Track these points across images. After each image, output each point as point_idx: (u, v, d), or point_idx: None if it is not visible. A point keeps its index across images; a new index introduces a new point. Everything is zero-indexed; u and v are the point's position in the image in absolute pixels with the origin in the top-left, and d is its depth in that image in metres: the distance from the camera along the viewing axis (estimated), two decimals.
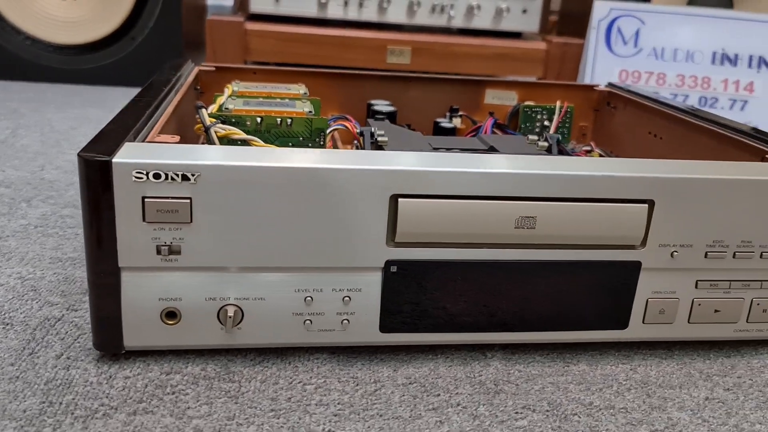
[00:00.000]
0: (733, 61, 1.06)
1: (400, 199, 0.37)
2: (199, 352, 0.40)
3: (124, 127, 0.40)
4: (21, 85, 1.17)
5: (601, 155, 0.69)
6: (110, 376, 0.37)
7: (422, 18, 1.23)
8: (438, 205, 0.38)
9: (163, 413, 0.35)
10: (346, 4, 1.20)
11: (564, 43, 1.20)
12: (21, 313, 0.43)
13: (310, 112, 0.56)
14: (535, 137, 0.55)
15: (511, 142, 0.54)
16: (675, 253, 0.41)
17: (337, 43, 1.20)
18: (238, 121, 0.54)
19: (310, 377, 0.39)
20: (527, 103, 0.74)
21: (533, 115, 0.74)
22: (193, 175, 0.35)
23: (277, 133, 0.54)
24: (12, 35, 1.15)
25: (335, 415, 0.36)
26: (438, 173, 0.37)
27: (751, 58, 1.06)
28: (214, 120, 0.52)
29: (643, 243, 0.41)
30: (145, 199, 0.35)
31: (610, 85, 0.75)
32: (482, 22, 1.23)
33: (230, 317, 0.38)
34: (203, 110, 0.52)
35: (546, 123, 0.74)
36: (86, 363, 0.38)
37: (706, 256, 0.42)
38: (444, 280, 0.40)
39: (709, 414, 0.39)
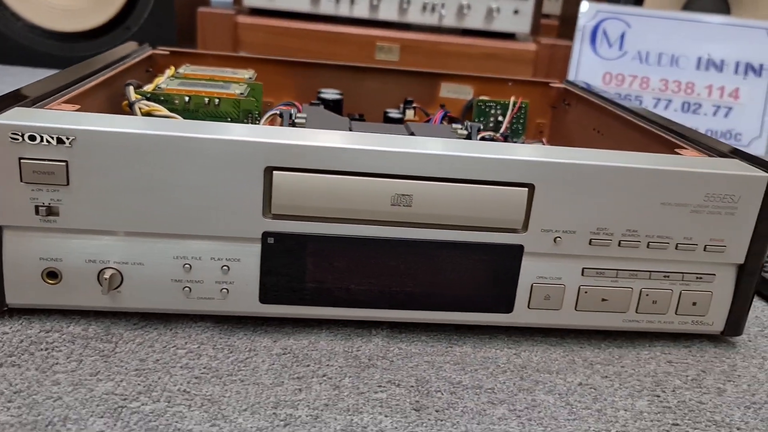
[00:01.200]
0: (719, 67, 1.05)
1: (274, 172, 0.38)
2: (85, 314, 0.42)
3: (27, 92, 0.42)
4: (19, 70, 1.21)
5: None
6: None
7: (414, 16, 1.23)
8: (313, 179, 0.39)
9: (28, 366, 0.36)
10: (337, 0, 1.21)
11: (552, 45, 1.19)
12: None
13: (242, 93, 0.57)
14: (459, 126, 0.56)
15: (434, 130, 0.55)
16: (558, 239, 0.42)
17: (326, 38, 1.21)
18: (166, 100, 0.55)
19: (186, 343, 0.40)
20: (481, 97, 0.74)
21: (487, 109, 0.74)
22: (68, 138, 0.36)
23: (206, 112, 0.56)
24: (12, 22, 1.19)
25: (196, 378, 0.37)
26: (313, 148, 0.38)
27: (737, 64, 1.05)
28: (139, 96, 0.54)
29: (525, 227, 0.41)
30: (22, 160, 0.36)
31: (567, 82, 0.75)
32: (473, 22, 1.23)
33: (106, 279, 0.39)
34: (130, 87, 0.54)
35: (500, 118, 0.74)
36: None
37: (590, 243, 0.42)
38: (322, 254, 0.40)
39: (576, 398, 0.39)
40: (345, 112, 0.72)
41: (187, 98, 0.55)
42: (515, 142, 0.71)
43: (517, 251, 0.42)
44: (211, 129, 0.38)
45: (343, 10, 1.22)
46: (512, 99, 0.74)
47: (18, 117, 0.37)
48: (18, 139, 0.36)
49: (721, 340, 0.47)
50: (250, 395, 0.36)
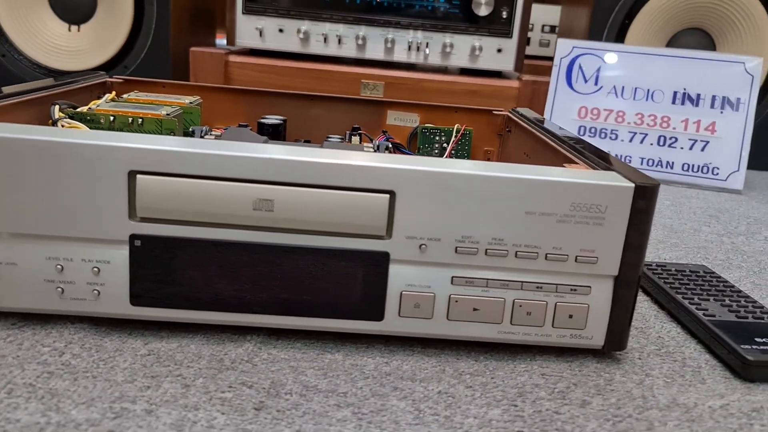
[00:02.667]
0: (695, 101, 1.04)
1: (138, 176, 0.40)
2: None
3: None
4: None
5: None
6: None
7: (399, 55, 1.26)
8: (176, 183, 0.40)
9: None
10: (325, 40, 1.25)
11: (534, 81, 1.20)
12: None
13: (167, 114, 0.60)
14: (369, 145, 0.57)
15: (343, 147, 0.56)
16: (424, 246, 0.42)
17: (314, 75, 1.25)
18: (92, 119, 0.58)
19: (54, 341, 0.41)
20: (426, 125, 0.75)
21: (431, 136, 0.75)
22: None
23: (130, 131, 0.58)
24: (20, 61, 1.26)
25: (48, 373, 0.38)
26: (175, 152, 0.40)
27: (714, 98, 1.03)
28: (63, 115, 0.56)
29: (389, 234, 0.42)
30: None
31: (512, 111, 0.76)
32: (458, 60, 1.25)
33: None
34: (55, 106, 0.57)
35: (444, 145, 0.75)
36: None
37: (456, 251, 0.42)
38: (189, 257, 0.42)
39: (428, 405, 0.38)
40: (291, 137, 0.74)
41: (112, 118, 0.58)
42: None
43: (383, 258, 0.42)
44: (78, 134, 0.40)
45: (332, 50, 1.26)
46: (456, 126, 0.75)
47: None
48: None
49: (606, 356, 0.46)
50: (96, 391, 0.37)
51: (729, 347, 0.45)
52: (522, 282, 0.43)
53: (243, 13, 1.24)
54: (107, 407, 0.35)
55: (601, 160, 0.47)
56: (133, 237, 0.41)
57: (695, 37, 1.20)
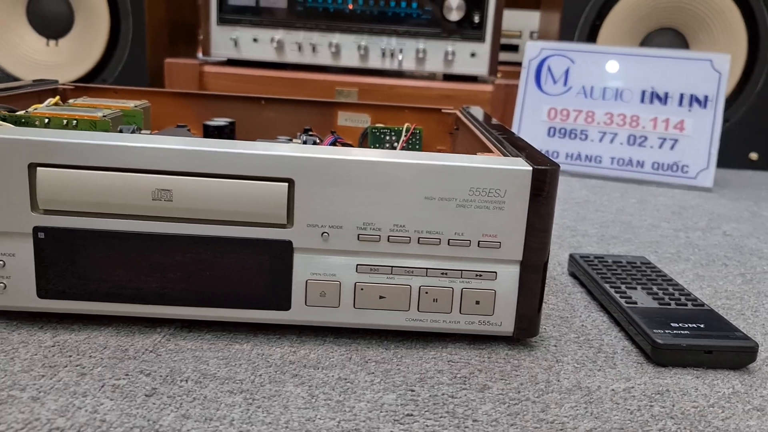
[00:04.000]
0: (663, 99, 1.03)
1: (38, 168, 0.41)
2: None
3: None
4: None
5: None
6: None
7: (373, 62, 1.27)
8: (76, 174, 0.41)
9: None
10: (300, 49, 1.26)
11: (507, 85, 1.20)
12: None
13: (104, 116, 0.60)
14: (298, 140, 0.57)
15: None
16: (325, 234, 0.42)
17: (289, 83, 1.26)
18: (26, 121, 0.59)
19: None
20: (377, 125, 0.76)
21: (382, 136, 0.75)
22: None
23: None
24: None
25: None
26: (73, 144, 0.40)
27: (681, 96, 1.03)
28: None
29: (291, 222, 0.42)
30: None
31: (461, 109, 0.76)
32: (432, 65, 1.26)
33: None
34: None
35: (395, 144, 0.75)
36: None
37: (359, 238, 0.42)
38: (92, 249, 0.42)
39: (323, 391, 0.38)
40: (240, 139, 0.75)
41: (46, 120, 0.59)
42: None
43: (286, 246, 0.42)
44: None
45: (306, 58, 1.27)
46: (405, 125, 0.75)
47: None
48: None
49: (519, 344, 0.45)
50: None
51: (642, 332, 0.44)
52: (427, 269, 0.43)
53: (217, 24, 1.25)
54: None
55: (516, 149, 0.47)
56: (36, 229, 0.42)
57: (668, 36, 1.19)
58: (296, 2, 1.24)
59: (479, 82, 1.27)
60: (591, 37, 1.19)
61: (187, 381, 0.39)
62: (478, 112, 0.74)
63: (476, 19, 1.23)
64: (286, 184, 0.41)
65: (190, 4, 1.49)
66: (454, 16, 1.22)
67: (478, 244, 0.42)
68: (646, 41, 1.20)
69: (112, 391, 0.37)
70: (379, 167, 0.41)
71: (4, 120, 0.57)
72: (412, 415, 0.36)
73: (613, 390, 0.40)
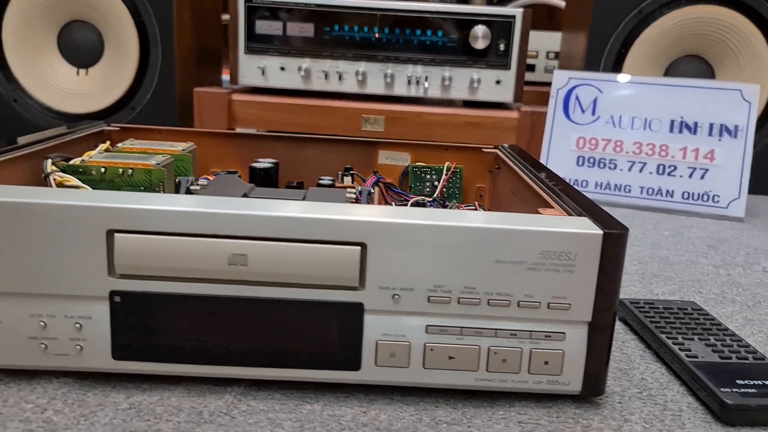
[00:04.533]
0: (693, 129, 1.04)
1: (115, 234, 0.41)
2: None
3: None
4: None
5: None
6: None
7: (399, 89, 1.28)
8: (153, 240, 0.41)
9: None
10: (326, 77, 1.27)
11: (533, 112, 1.21)
12: None
13: (157, 164, 0.61)
14: (352, 189, 0.58)
15: (328, 194, 0.57)
16: (397, 296, 0.42)
17: (316, 111, 1.27)
18: (84, 171, 0.60)
19: (38, 398, 0.42)
20: (417, 163, 0.76)
21: (422, 175, 0.76)
22: None
23: (121, 182, 0.60)
24: (31, 105, 1.29)
25: (28, 431, 0.39)
26: (150, 211, 0.41)
27: (711, 126, 1.03)
28: (55, 168, 0.58)
29: (362, 285, 0.42)
30: None
31: (501, 148, 0.76)
32: (457, 93, 1.27)
33: None
34: (48, 160, 0.58)
35: (436, 183, 0.76)
36: None
37: (429, 300, 0.43)
38: (168, 312, 0.42)
39: None
40: (284, 180, 0.75)
41: (103, 169, 0.60)
42: (448, 206, 0.72)
43: (357, 309, 0.43)
44: (57, 195, 0.42)
45: (333, 86, 1.28)
46: (446, 164, 0.76)
47: None
48: None
49: (585, 401, 0.46)
50: None
51: (709, 390, 0.45)
52: (496, 329, 0.43)
53: (245, 52, 1.26)
54: None
55: (576, 204, 0.48)
56: (112, 293, 0.42)
57: (693, 64, 1.20)
58: (323, 31, 1.25)
59: (504, 109, 1.28)
60: (617, 64, 1.20)
61: None
62: (517, 149, 0.74)
63: (501, 47, 1.23)
64: (359, 248, 0.42)
65: (215, 30, 1.50)
66: (480, 44, 1.23)
67: (548, 306, 0.43)
68: (672, 68, 1.21)
69: None
70: (450, 231, 0.41)
71: (63, 171, 0.58)
72: None
73: None
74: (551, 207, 0.49)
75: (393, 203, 0.70)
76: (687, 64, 1.20)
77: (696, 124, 1.04)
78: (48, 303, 0.43)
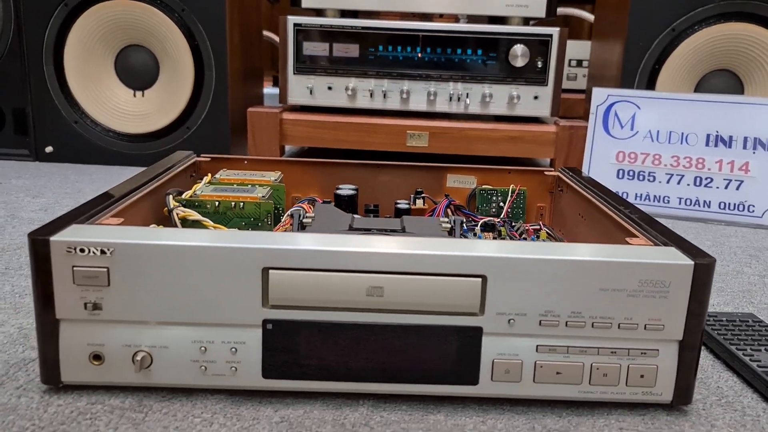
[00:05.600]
0: (728, 142, 1.10)
1: (270, 271, 0.48)
2: (123, 388, 0.51)
3: (82, 210, 0.53)
4: (97, 168, 1.37)
5: (547, 233, 0.76)
6: (47, 404, 0.49)
7: (441, 106, 1.34)
8: (302, 276, 0.48)
9: None
10: (371, 95, 1.33)
11: (570, 126, 1.27)
12: (7, 354, 0.56)
13: (263, 197, 0.68)
14: (445, 219, 0.64)
15: (425, 223, 0.63)
16: (512, 321, 0.49)
17: (361, 128, 1.33)
18: (200, 205, 0.66)
19: (202, 412, 0.49)
20: (484, 186, 0.82)
21: (489, 197, 0.82)
22: (108, 249, 0.47)
23: (233, 214, 0.66)
24: (91, 126, 1.36)
25: None
26: (301, 251, 0.47)
27: (746, 139, 1.09)
28: (177, 204, 0.65)
29: (482, 311, 0.49)
30: (74, 268, 0.47)
31: (562, 170, 0.83)
32: (497, 108, 1.33)
33: (139, 361, 0.48)
34: (169, 196, 0.65)
35: (501, 204, 0.82)
36: (34, 393, 0.50)
37: (540, 324, 0.49)
38: (312, 337, 0.49)
39: None
40: (361, 203, 0.82)
41: (217, 203, 0.66)
42: (514, 225, 0.78)
43: (477, 332, 0.49)
44: (218, 238, 0.48)
45: (377, 104, 1.34)
46: (511, 187, 0.82)
47: (72, 234, 0.47)
48: (72, 252, 0.47)
49: (674, 409, 0.52)
50: None
51: None
52: (598, 348, 0.49)
53: (294, 73, 1.33)
54: None
55: (657, 233, 0.54)
56: (265, 321, 0.49)
57: (723, 78, 1.26)
58: (368, 52, 1.31)
59: (542, 123, 1.34)
60: (651, 79, 1.25)
61: None
62: (577, 172, 0.80)
63: (539, 64, 1.29)
64: (480, 279, 0.48)
65: (258, 48, 1.56)
66: (519, 63, 1.29)
67: (645, 327, 0.49)
68: (703, 82, 1.26)
69: None
70: (561, 264, 0.48)
71: (185, 205, 0.64)
72: None
73: None
74: (636, 236, 0.55)
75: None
76: (717, 78, 1.26)
77: (731, 137, 1.10)
78: (208, 330, 0.49)
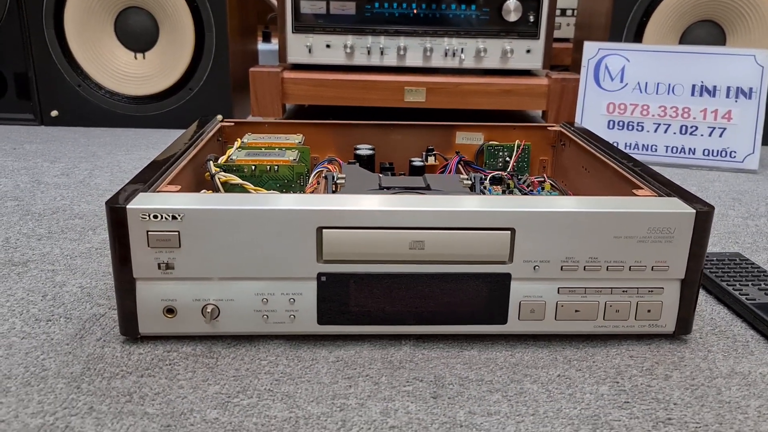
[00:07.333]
0: (712, 92, 1.16)
1: (324, 230, 0.53)
2: (192, 338, 0.57)
3: (143, 179, 0.58)
4: (101, 131, 1.40)
5: (551, 185, 0.82)
6: (129, 353, 0.55)
7: (437, 61, 1.38)
8: (352, 234, 0.54)
9: (160, 376, 0.52)
10: (369, 52, 1.37)
11: (563, 79, 1.33)
12: (78, 311, 0.62)
13: (294, 159, 0.73)
14: (466, 176, 0.70)
15: (446, 180, 0.69)
16: (537, 267, 0.55)
17: (360, 86, 1.37)
18: (237, 169, 0.71)
19: (266, 356, 0.55)
20: (491, 142, 0.88)
21: (496, 152, 0.88)
22: (179, 215, 0.52)
23: (268, 176, 0.72)
24: (95, 90, 1.38)
25: (276, 380, 0.52)
26: (351, 211, 0.53)
27: (728, 89, 1.16)
28: (218, 169, 0.70)
29: (511, 259, 0.55)
30: (149, 232, 0.52)
31: (562, 125, 0.89)
32: (490, 63, 1.37)
33: (209, 313, 0.54)
34: (210, 162, 0.70)
35: (507, 159, 0.88)
36: (115, 344, 0.56)
37: (561, 269, 0.55)
38: (362, 287, 0.55)
39: (554, 386, 0.52)
40: (377, 161, 0.87)
41: (253, 167, 0.71)
42: (521, 178, 0.84)
43: (506, 278, 0.56)
44: (277, 201, 0.54)
45: (375, 60, 1.38)
46: (516, 142, 0.88)
47: (144, 202, 0.53)
48: (146, 218, 0.52)
49: (675, 338, 0.60)
50: (315, 391, 0.51)
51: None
52: (612, 288, 0.56)
53: (293, 32, 1.36)
54: (330, 403, 0.49)
55: (660, 184, 0.61)
56: (320, 274, 0.55)
57: (706, 28, 1.32)
58: (364, 9, 1.35)
59: (534, 76, 1.39)
60: (639, 32, 1.31)
61: (452, 384, 0.52)
62: (579, 128, 0.86)
63: (531, 18, 1.34)
64: (509, 232, 0.54)
65: (254, 8, 1.58)
66: (512, 17, 1.33)
67: (652, 268, 0.56)
68: (687, 33, 1.32)
69: (408, 396, 0.51)
70: (581, 216, 0.54)
71: (224, 171, 0.69)
72: (629, 402, 0.51)
73: (761, 374, 0.54)
74: (641, 188, 0.61)
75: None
76: (701, 29, 1.32)
77: (715, 87, 1.16)
78: (269, 284, 0.55)
